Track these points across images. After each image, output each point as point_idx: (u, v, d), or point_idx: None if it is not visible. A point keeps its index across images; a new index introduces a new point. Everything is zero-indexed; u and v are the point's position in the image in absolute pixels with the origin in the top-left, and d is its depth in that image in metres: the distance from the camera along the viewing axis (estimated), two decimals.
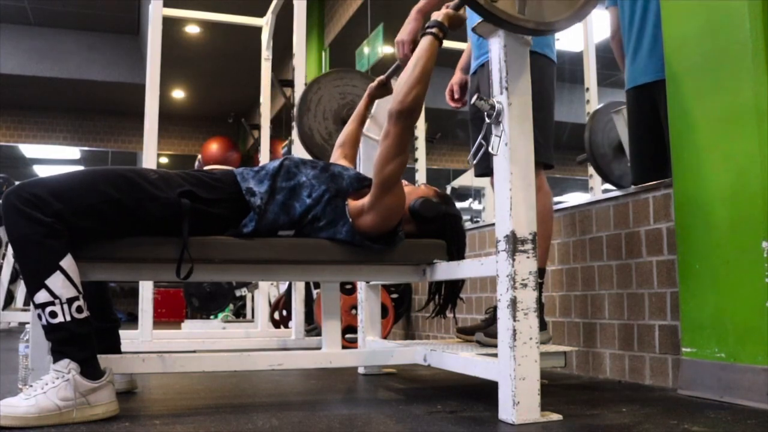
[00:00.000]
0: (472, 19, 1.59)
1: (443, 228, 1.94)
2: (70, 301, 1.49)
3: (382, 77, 2.35)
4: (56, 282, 1.48)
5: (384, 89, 2.34)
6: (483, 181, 4.41)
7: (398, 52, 2.14)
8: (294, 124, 2.81)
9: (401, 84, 1.71)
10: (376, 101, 2.37)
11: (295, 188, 1.81)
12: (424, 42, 1.73)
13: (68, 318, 1.48)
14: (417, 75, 1.69)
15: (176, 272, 1.66)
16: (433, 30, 1.73)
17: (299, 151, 3.01)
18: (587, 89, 4.00)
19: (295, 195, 1.81)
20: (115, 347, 1.92)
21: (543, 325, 2.16)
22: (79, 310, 1.50)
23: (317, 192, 1.80)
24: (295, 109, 2.82)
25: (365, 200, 1.78)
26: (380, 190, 1.75)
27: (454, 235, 1.96)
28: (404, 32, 2.15)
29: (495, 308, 2.34)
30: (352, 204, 1.82)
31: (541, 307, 2.20)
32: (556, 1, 1.50)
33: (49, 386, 1.46)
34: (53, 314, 1.48)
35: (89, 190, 1.58)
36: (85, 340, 1.52)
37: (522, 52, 1.55)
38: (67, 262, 1.51)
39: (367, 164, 2.46)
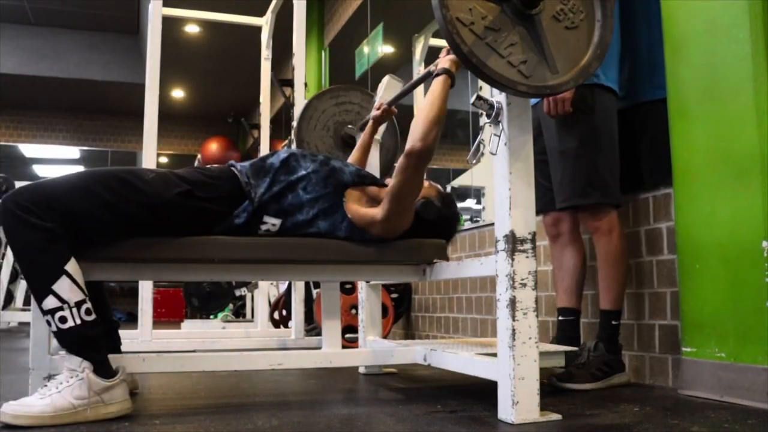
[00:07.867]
0: None
1: (438, 228, 1.96)
2: (78, 304, 1.50)
3: (383, 103, 2.31)
4: (63, 286, 1.48)
5: (388, 114, 2.33)
6: (483, 181, 4.40)
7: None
8: (293, 137, 2.81)
9: (419, 123, 1.70)
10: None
11: (294, 182, 1.82)
12: (439, 84, 1.74)
13: (78, 321, 1.49)
14: (435, 116, 1.70)
15: None
16: (445, 74, 1.75)
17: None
18: None
19: (291, 187, 1.81)
20: (116, 348, 1.92)
21: (620, 365, 2.06)
22: (88, 312, 1.51)
23: (313, 185, 1.81)
24: (294, 123, 2.81)
25: (375, 212, 1.80)
26: (394, 215, 1.79)
27: (446, 236, 2.00)
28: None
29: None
30: (353, 203, 1.83)
31: (618, 347, 2.08)
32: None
33: (64, 385, 1.47)
34: (63, 319, 1.48)
35: (85, 194, 1.57)
36: (97, 341, 1.53)
37: None
38: (72, 266, 1.51)
39: (373, 170, 2.45)
